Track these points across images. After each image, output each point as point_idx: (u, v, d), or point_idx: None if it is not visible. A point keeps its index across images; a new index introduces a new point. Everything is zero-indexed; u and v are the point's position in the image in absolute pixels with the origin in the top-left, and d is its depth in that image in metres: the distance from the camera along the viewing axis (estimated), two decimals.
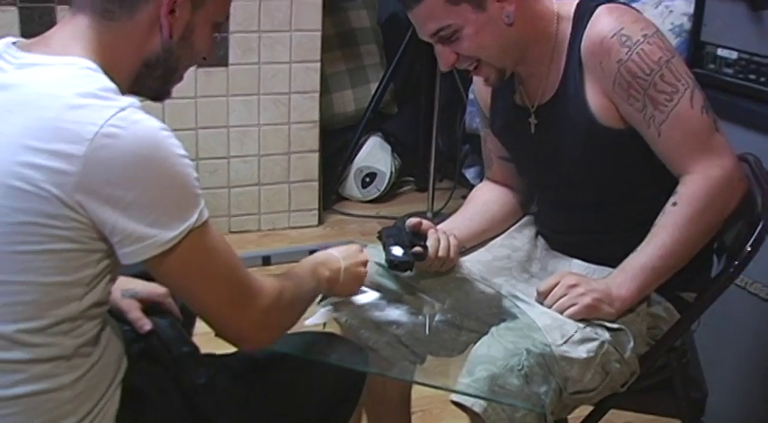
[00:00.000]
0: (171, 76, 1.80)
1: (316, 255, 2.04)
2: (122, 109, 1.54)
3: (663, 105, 2.12)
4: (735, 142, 2.33)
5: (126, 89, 1.64)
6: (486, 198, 2.57)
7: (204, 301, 1.69)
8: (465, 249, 2.47)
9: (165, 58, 1.74)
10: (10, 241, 1.54)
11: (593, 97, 2.19)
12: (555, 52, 2.23)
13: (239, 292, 1.70)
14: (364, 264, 2.12)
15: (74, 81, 1.57)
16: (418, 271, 2.39)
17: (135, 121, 1.54)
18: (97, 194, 1.52)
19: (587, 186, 2.31)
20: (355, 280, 2.09)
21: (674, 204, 2.15)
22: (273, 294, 1.75)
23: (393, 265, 2.27)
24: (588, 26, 2.18)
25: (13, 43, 1.68)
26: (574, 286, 2.17)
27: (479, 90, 2.49)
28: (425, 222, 2.36)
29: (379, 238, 2.31)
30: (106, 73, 1.62)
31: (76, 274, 1.58)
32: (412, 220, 2.34)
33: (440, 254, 2.31)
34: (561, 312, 2.15)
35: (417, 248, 2.27)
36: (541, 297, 2.21)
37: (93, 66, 1.62)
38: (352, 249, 2.11)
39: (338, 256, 2.06)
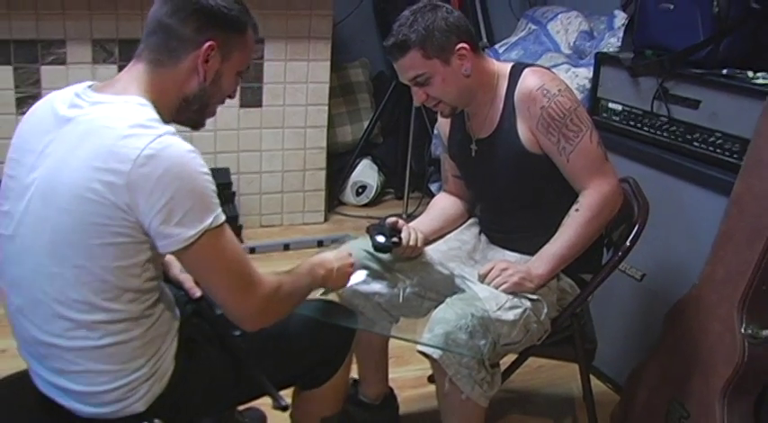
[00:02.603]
0: (204, 110, 1.76)
1: (314, 257, 1.97)
2: (160, 135, 1.52)
3: (571, 140, 2.14)
4: (620, 169, 2.34)
5: (169, 119, 1.62)
6: (444, 205, 2.56)
7: (215, 288, 1.65)
8: (428, 241, 2.45)
9: (200, 96, 1.71)
10: (85, 237, 1.52)
11: (522, 132, 2.19)
12: (494, 99, 2.24)
13: (243, 283, 1.64)
14: (351, 265, 2.05)
15: (127, 115, 1.55)
16: (395, 257, 2.38)
17: (168, 144, 1.51)
18: (138, 200, 1.50)
19: (515, 197, 2.31)
20: (344, 277, 2.02)
21: (577, 210, 2.17)
22: (272, 287, 1.70)
23: (377, 248, 2.28)
24: (519, 82, 2.19)
25: (89, 86, 1.65)
26: (505, 269, 2.19)
27: (441, 124, 2.49)
28: (401, 221, 2.36)
29: (367, 231, 2.31)
30: (154, 106, 1.60)
31: (132, 259, 1.56)
32: (391, 219, 2.36)
33: (410, 243, 2.31)
34: (496, 288, 2.16)
35: (395, 238, 2.29)
36: (482, 277, 2.22)
37: (144, 101, 1.60)
38: (343, 254, 2.05)
39: (332, 258, 1.99)
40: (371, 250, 2.34)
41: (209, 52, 1.65)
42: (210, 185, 1.56)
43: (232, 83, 1.76)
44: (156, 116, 1.57)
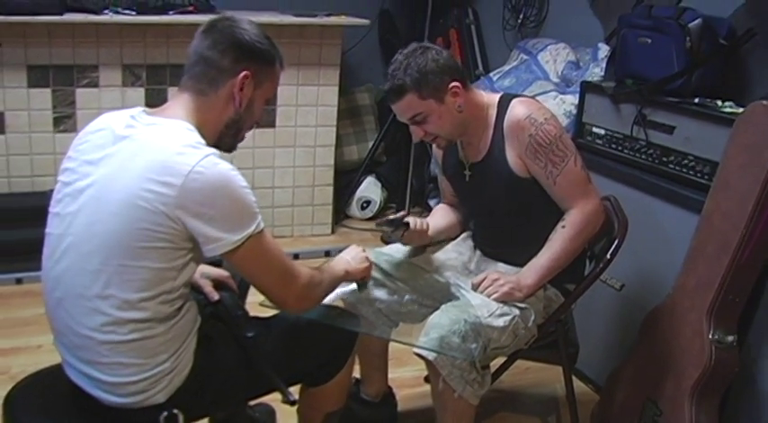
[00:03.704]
0: (239, 134, 1.82)
1: (336, 258, 2.07)
2: (207, 155, 1.58)
3: (558, 165, 2.14)
4: (602, 188, 2.35)
5: (210, 143, 1.67)
6: (444, 212, 2.56)
7: (261, 282, 1.74)
8: (431, 242, 2.46)
9: (236, 121, 1.77)
10: (133, 239, 1.57)
11: (511, 158, 2.19)
12: (485, 128, 2.24)
13: (285, 276, 1.74)
14: (367, 257, 2.13)
15: (178, 136, 1.61)
16: (395, 266, 2.40)
17: (215, 163, 1.58)
18: (189, 211, 1.56)
19: (505, 216, 2.32)
20: (363, 263, 2.10)
21: (563, 226, 2.17)
22: (308, 278, 1.79)
23: (390, 222, 2.28)
24: (508, 112, 2.19)
25: (143, 111, 1.71)
26: (496, 279, 2.19)
27: (436, 151, 2.49)
28: (403, 213, 2.36)
29: (378, 223, 2.30)
30: (198, 131, 1.66)
31: (171, 262, 1.61)
32: (399, 213, 2.36)
33: (417, 227, 2.32)
34: (488, 296, 2.17)
35: (405, 220, 2.29)
36: (475, 287, 2.22)
37: (191, 126, 1.66)
38: (359, 251, 2.13)
39: (347, 257, 2.08)
40: (374, 259, 2.34)
41: (244, 81, 1.73)
42: (251, 197, 1.64)
43: (261, 109, 1.84)
44: (201, 140, 1.64)
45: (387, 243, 2.31)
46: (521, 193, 2.22)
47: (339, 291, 2.25)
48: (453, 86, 2.14)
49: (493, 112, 2.23)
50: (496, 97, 2.26)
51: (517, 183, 2.21)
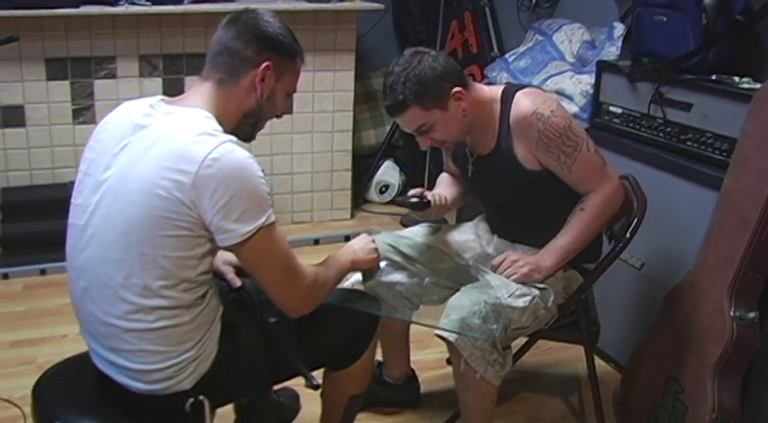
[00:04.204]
0: (258, 123, 1.83)
1: (344, 247, 2.05)
2: (223, 143, 1.58)
3: (570, 155, 2.12)
4: (620, 167, 2.35)
5: (229, 131, 1.67)
6: (450, 179, 2.52)
7: (265, 280, 1.72)
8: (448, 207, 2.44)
9: (257, 111, 1.78)
10: (153, 228, 1.58)
11: (520, 152, 2.17)
12: (490, 123, 2.20)
13: (291, 275, 1.73)
14: (375, 249, 2.11)
15: (195, 124, 1.62)
16: (414, 249, 2.40)
17: (231, 150, 1.58)
18: (203, 198, 1.56)
19: (516, 207, 2.31)
20: (370, 253, 2.08)
21: (582, 209, 2.17)
22: (312, 278, 1.77)
23: (414, 207, 2.29)
24: (512, 106, 2.16)
25: (162, 99, 1.72)
26: (516, 261, 2.20)
27: None
28: (424, 190, 2.34)
29: (397, 203, 2.28)
30: (217, 119, 1.67)
31: (191, 251, 1.62)
32: (415, 190, 2.34)
33: (438, 202, 2.31)
34: (507, 277, 2.17)
35: (425, 199, 2.28)
36: (494, 268, 2.23)
37: (209, 115, 1.67)
38: (366, 240, 2.11)
39: (355, 246, 2.06)
40: (393, 243, 2.37)
41: (265, 72, 1.74)
42: (265, 188, 1.62)
43: (283, 102, 1.84)
44: (219, 128, 1.64)
45: (405, 226, 2.32)
46: (531, 185, 2.21)
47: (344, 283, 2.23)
48: (456, 92, 2.11)
49: (497, 107, 2.19)
50: (499, 91, 2.22)
51: (527, 176, 2.18)
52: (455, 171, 2.50)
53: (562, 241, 2.19)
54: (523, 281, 2.17)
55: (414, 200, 2.29)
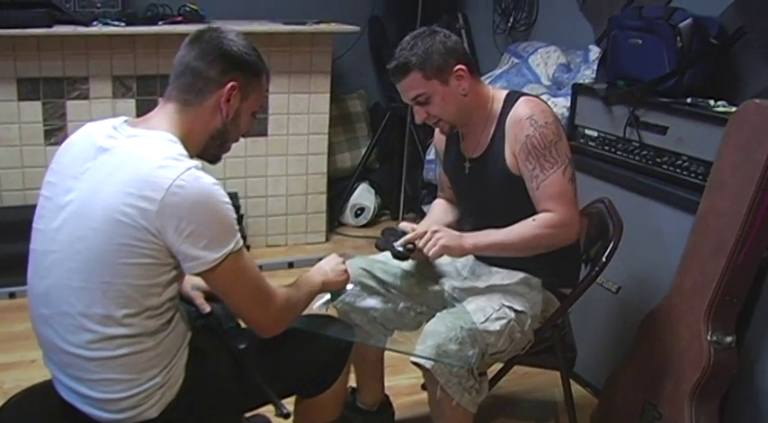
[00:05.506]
0: (224, 145, 1.80)
1: (312, 269, 2.00)
2: (189, 169, 1.55)
3: (546, 170, 2.10)
4: (595, 190, 2.35)
5: (194, 154, 1.64)
6: (444, 207, 2.53)
7: (237, 304, 1.71)
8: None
9: (222, 133, 1.75)
10: (116, 255, 1.54)
11: (508, 155, 2.17)
12: (487, 122, 2.21)
13: (261, 298, 1.70)
14: (345, 270, 2.05)
15: (159, 149, 1.58)
16: (389, 274, 2.37)
17: (197, 177, 1.55)
18: (168, 226, 1.53)
19: (501, 214, 2.23)
20: (341, 275, 2.03)
21: (533, 220, 2.11)
22: (283, 299, 1.75)
23: (396, 256, 2.23)
24: (512, 109, 2.17)
25: (125, 121, 1.68)
26: (436, 232, 2.15)
27: (437, 140, 2.46)
28: (412, 226, 2.26)
29: (383, 234, 2.26)
30: (182, 142, 1.63)
31: (156, 279, 1.58)
32: (404, 225, 2.27)
33: (424, 251, 2.19)
34: (428, 252, 2.11)
35: (410, 246, 2.20)
36: (416, 238, 2.17)
37: (174, 138, 1.63)
38: (336, 260, 2.06)
39: (326, 267, 2.02)
40: (367, 267, 2.34)
41: (231, 92, 1.70)
42: (232, 214, 1.60)
43: (248, 122, 1.81)
44: (184, 152, 1.61)
45: (381, 250, 2.28)
46: (515, 191, 2.19)
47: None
48: (458, 69, 2.14)
49: (498, 107, 2.21)
50: (504, 93, 2.24)
51: (512, 181, 2.17)
52: (446, 181, 2.49)
53: (497, 235, 2.15)
54: (441, 253, 2.12)
55: (399, 249, 2.22)
